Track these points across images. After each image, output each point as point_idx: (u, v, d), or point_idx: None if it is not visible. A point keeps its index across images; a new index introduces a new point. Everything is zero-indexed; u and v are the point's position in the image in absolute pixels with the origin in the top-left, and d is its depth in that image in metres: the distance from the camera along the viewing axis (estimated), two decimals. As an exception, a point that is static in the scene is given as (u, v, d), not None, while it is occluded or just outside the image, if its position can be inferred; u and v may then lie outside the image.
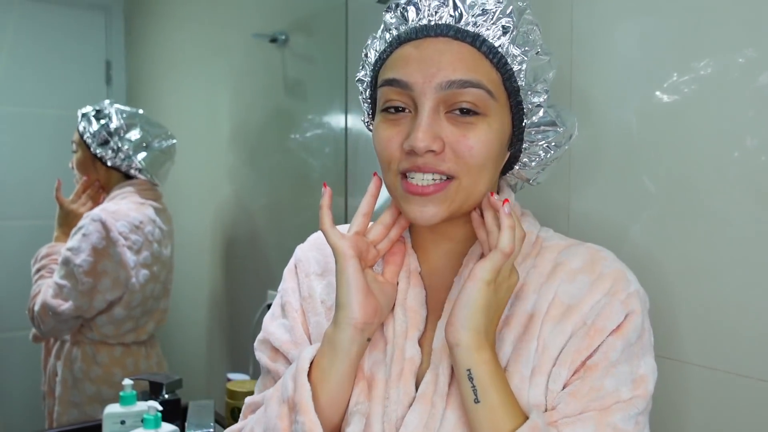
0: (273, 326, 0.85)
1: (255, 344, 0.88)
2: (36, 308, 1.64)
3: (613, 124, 1.01)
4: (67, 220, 1.74)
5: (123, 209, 1.70)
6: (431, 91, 0.69)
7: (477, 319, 0.67)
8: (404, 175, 0.73)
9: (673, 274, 0.94)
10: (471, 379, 0.67)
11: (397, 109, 0.73)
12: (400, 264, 0.79)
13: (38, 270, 1.70)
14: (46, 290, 1.64)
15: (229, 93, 2.02)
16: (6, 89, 1.77)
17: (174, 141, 1.82)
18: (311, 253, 0.87)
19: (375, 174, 0.78)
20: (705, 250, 0.91)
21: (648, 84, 0.96)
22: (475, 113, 0.70)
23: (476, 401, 0.67)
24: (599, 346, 0.70)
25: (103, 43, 1.91)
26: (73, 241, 1.64)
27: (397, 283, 0.79)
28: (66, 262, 1.64)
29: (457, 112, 0.70)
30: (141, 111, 1.80)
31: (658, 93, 0.95)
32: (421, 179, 0.71)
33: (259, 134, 1.93)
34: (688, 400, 0.93)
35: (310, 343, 0.82)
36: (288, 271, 0.88)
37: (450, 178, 0.71)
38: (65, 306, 1.63)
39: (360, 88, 0.83)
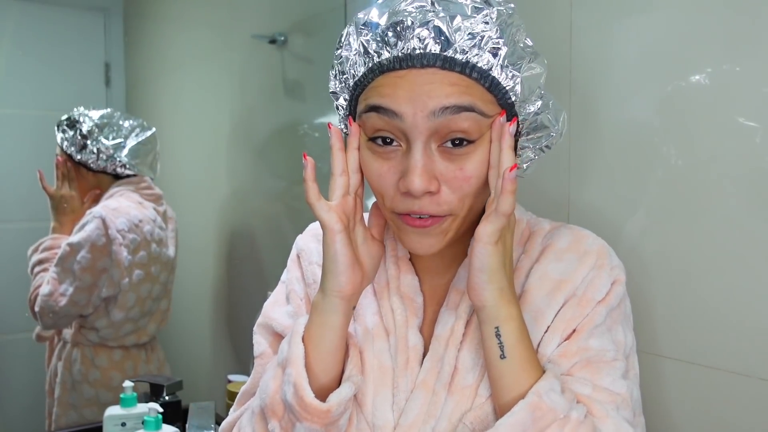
0: (276, 312, 0.85)
1: (255, 328, 0.88)
2: (37, 307, 1.65)
3: (612, 122, 1.01)
4: (60, 208, 1.75)
5: (124, 206, 1.70)
6: (423, 121, 0.66)
7: (497, 278, 0.68)
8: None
9: (672, 270, 0.94)
10: (498, 336, 0.68)
11: (385, 141, 0.69)
12: (384, 223, 0.77)
13: (40, 262, 1.70)
14: (44, 287, 1.64)
15: (228, 94, 2.02)
16: (5, 91, 1.77)
17: (152, 130, 1.81)
18: (312, 244, 0.87)
19: (330, 125, 0.75)
20: (704, 246, 0.91)
21: (647, 82, 0.96)
22: (469, 142, 0.68)
23: (502, 357, 0.68)
24: (588, 314, 0.73)
25: (102, 45, 1.91)
26: (74, 237, 1.65)
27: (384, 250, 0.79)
28: (64, 258, 1.64)
29: (449, 143, 0.68)
30: (110, 110, 1.79)
31: (656, 91, 0.95)
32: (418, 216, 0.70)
33: (258, 135, 1.93)
34: (691, 400, 0.93)
35: None
36: (291, 261, 0.89)
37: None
38: (63, 303, 1.64)
39: (335, 102, 0.80)
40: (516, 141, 0.74)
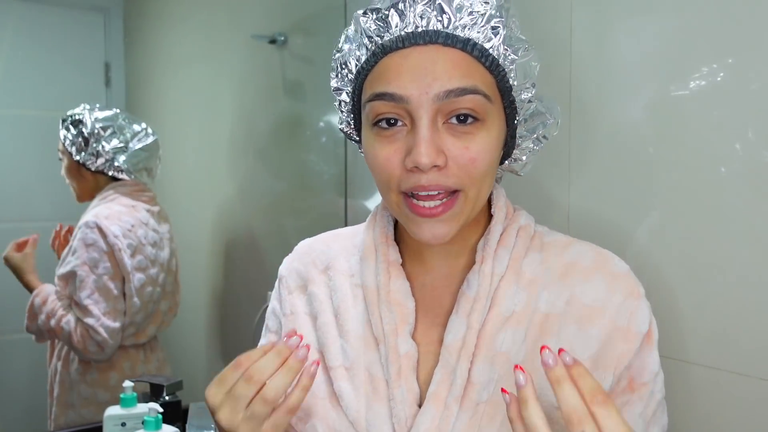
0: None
1: None
2: (98, 337, 1.60)
3: (612, 123, 1.01)
4: (23, 268, 1.66)
5: (114, 212, 1.70)
6: (428, 102, 0.66)
7: None
8: (406, 194, 0.70)
9: (672, 271, 0.94)
10: None
11: (390, 122, 0.69)
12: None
13: (49, 316, 1.64)
14: (87, 318, 1.60)
15: (228, 94, 2.02)
16: (4, 91, 1.76)
17: (154, 137, 1.80)
18: (294, 265, 0.86)
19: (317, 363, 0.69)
20: (706, 247, 0.91)
21: (647, 82, 0.96)
22: (474, 119, 0.68)
23: None
24: (639, 353, 0.71)
25: (102, 45, 1.90)
26: (81, 257, 1.62)
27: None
28: (84, 281, 1.61)
29: (455, 120, 0.68)
30: (116, 111, 1.78)
31: (657, 91, 0.95)
32: (427, 202, 0.68)
33: (258, 135, 1.93)
34: (692, 400, 0.93)
35: None
36: (274, 289, 0.87)
37: (455, 191, 0.69)
38: (117, 319, 1.62)
39: (337, 98, 0.78)
40: (515, 129, 0.75)
